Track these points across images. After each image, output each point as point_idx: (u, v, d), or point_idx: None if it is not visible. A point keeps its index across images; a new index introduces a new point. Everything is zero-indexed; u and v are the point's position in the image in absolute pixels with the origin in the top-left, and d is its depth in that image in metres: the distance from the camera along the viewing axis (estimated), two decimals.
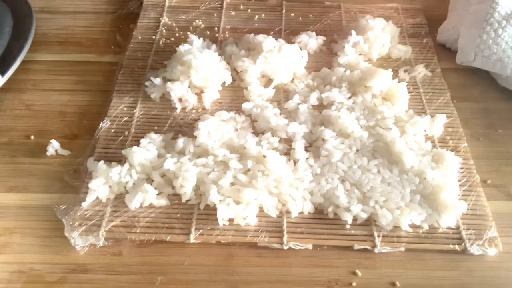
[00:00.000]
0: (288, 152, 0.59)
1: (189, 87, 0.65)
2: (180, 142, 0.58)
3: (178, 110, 0.65)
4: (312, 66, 0.71)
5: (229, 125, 0.61)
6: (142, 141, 0.58)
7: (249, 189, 0.53)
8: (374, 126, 0.61)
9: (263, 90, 0.66)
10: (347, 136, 0.60)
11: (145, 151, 0.57)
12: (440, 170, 0.56)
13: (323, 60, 0.73)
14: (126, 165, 0.56)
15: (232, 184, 0.55)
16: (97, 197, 0.54)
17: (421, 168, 0.56)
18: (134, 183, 0.55)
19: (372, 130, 0.60)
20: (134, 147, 0.57)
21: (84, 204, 0.53)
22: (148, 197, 0.53)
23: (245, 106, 0.64)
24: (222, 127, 0.60)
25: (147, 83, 0.67)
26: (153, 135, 0.60)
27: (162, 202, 0.54)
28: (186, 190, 0.54)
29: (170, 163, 0.55)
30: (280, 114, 0.63)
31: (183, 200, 0.54)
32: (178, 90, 0.64)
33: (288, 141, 0.60)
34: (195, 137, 0.58)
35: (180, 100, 0.65)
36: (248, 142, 0.58)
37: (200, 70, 0.64)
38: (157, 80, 0.66)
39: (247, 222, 0.52)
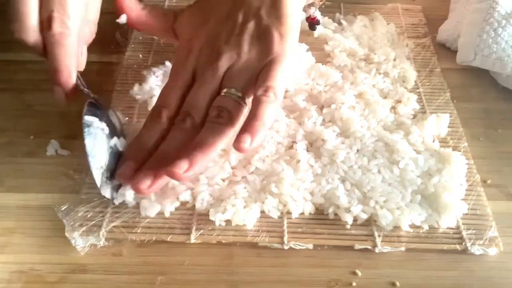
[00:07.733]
0: (288, 152, 0.59)
1: None
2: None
3: None
4: (312, 66, 0.71)
5: None
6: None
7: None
8: (375, 126, 0.61)
9: None
10: (348, 136, 0.60)
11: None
12: (445, 170, 0.56)
13: (323, 60, 0.73)
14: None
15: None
16: (98, 198, 0.54)
17: (424, 168, 0.56)
18: None
19: (372, 130, 0.60)
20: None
21: (85, 205, 0.53)
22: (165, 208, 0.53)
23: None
24: None
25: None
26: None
27: (170, 208, 0.53)
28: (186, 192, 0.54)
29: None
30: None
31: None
32: None
33: (288, 141, 0.60)
34: None
35: None
36: None
37: None
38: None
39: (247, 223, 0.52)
